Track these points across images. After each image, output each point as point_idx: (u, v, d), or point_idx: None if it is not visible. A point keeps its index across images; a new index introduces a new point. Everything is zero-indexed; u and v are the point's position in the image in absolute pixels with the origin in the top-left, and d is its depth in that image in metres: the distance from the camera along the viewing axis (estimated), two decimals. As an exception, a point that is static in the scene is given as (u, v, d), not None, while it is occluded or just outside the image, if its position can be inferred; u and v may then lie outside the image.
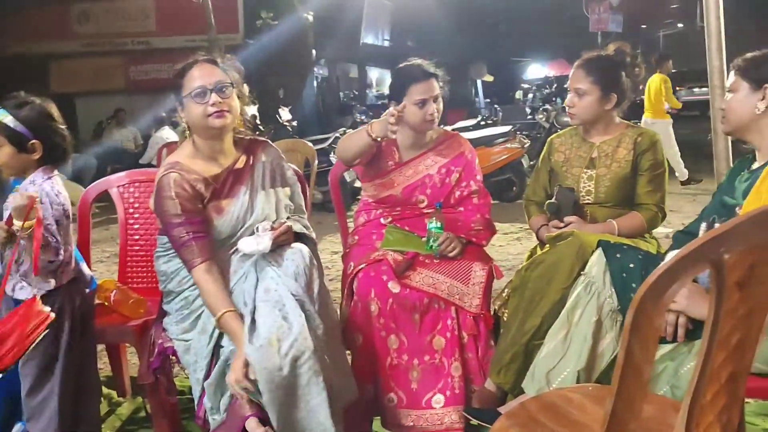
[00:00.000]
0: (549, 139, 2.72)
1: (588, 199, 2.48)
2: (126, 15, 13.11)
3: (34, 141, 2.15)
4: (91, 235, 2.69)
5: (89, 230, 2.66)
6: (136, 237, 2.71)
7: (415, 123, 2.52)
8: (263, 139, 2.33)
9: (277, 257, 2.05)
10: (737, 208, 1.85)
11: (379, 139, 2.38)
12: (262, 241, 2.03)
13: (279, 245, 2.09)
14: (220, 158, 2.18)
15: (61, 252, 2.13)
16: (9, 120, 2.10)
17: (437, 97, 2.52)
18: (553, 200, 2.48)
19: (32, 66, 12.20)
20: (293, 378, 1.88)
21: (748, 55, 1.94)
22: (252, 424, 1.89)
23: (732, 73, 1.96)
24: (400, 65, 2.62)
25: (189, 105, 2.10)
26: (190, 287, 2.14)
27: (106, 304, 2.49)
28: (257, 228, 2.10)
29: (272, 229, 2.09)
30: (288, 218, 2.22)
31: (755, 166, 1.94)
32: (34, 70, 12.13)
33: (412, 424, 2.29)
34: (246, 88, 2.25)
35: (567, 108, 2.53)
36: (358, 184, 7.39)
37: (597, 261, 1.96)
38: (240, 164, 2.20)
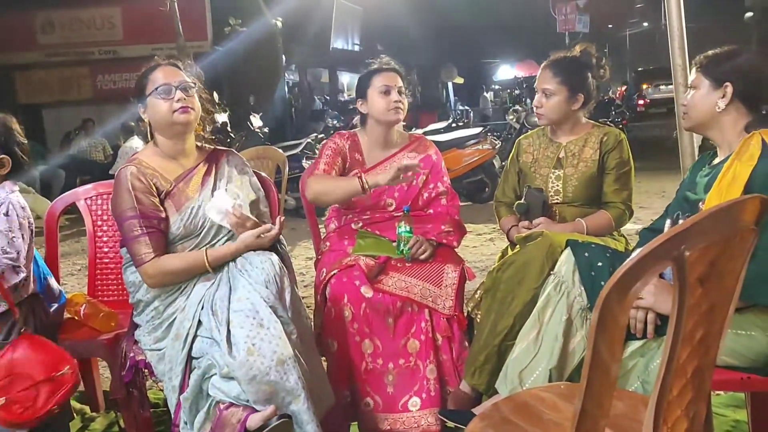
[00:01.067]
0: (517, 140, 2.74)
1: (556, 199, 2.51)
2: (92, 24, 12.93)
3: (3, 156, 2.14)
4: (61, 249, 2.66)
5: (57, 244, 2.62)
6: (105, 249, 2.67)
7: (380, 112, 2.54)
8: (227, 148, 2.36)
9: (247, 265, 2.05)
10: (700, 204, 1.88)
11: (369, 189, 2.41)
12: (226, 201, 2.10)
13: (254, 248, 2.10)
14: (182, 159, 2.22)
15: (23, 270, 2.10)
16: None
17: (401, 89, 2.56)
18: (522, 201, 2.51)
19: (-2, 78, 12.03)
20: (281, 381, 1.88)
21: (710, 52, 1.96)
22: (256, 418, 1.87)
23: (694, 69, 1.98)
24: (364, 70, 2.66)
25: (153, 102, 2.14)
26: (159, 296, 2.13)
27: (77, 318, 2.45)
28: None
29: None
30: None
31: (716, 161, 1.97)
32: (0, 82, 11.95)
33: (389, 428, 2.29)
34: (215, 96, 2.27)
35: (535, 108, 2.56)
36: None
37: (566, 260, 1.98)
38: (202, 168, 2.23)
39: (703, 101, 1.93)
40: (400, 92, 2.55)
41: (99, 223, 2.68)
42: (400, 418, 2.29)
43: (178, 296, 2.12)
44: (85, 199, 2.68)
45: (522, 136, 2.74)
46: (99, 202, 2.68)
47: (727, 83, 1.88)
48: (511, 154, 2.71)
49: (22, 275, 2.11)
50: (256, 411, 1.88)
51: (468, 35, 20.52)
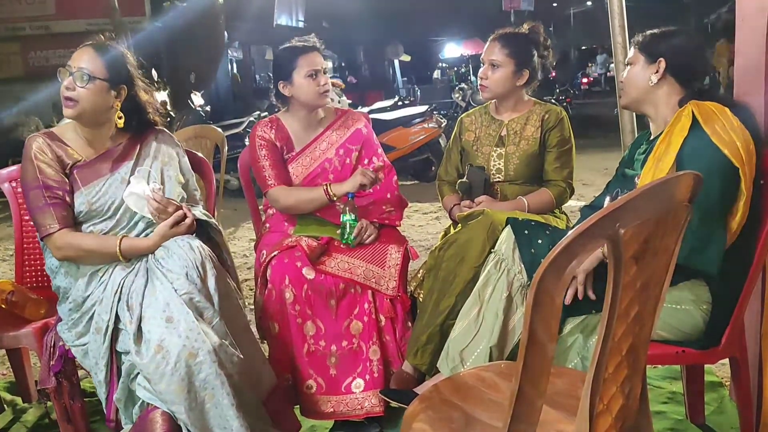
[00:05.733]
0: (459, 118, 2.72)
1: (498, 177, 2.50)
2: (22, -3, 12.34)
3: None
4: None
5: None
6: (33, 234, 2.54)
7: (308, 98, 2.47)
8: (159, 127, 2.25)
9: (165, 254, 1.98)
10: (636, 178, 1.91)
11: (336, 198, 2.40)
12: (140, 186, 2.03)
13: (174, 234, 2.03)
14: (99, 144, 2.13)
15: None
16: None
17: (326, 70, 2.49)
18: (464, 179, 2.50)
19: None
20: (191, 377, 1.82)
21: (648, 32, 2.02)
22: None
23: (632, 47, 2.03)
24: (281, 47, 2.57)
25: None
26: (76, 283, 2.05)
27: (3, 306, 2.34)
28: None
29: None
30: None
31: (652, 137, 2.01)
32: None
33: (331, 410, 2.26)
34: (154, 74, 2.17)
35: (480, 80, 2.53)
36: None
37: (506, 238, 1.98)
38: (122, 148, 2.14)
39: (637, 77, 1.98)
40: (325, 73, 2.48)
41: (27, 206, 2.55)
42: (344, 400, 2.27)
43: (97, 287, 2.03)
44: (10, 181, 2.55)
45: (464, 114, 2.72)
46: (25, 184, 2.54)
47: (661, 58, 1.93)
48: (453, 133, 2.69)
49: None
50: (172, 426, 1.82)
51: (414, 12, 20.40)
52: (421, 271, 2.34)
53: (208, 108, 9.16)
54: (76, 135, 2.11)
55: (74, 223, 2.05)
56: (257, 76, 18.30)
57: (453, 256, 2.10)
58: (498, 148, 2.51)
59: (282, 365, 2.25)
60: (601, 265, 1.81)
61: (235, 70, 16.61)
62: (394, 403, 2.12)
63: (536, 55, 2.51)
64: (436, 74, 22.22)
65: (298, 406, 2.30)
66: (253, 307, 2.46)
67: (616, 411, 1.17)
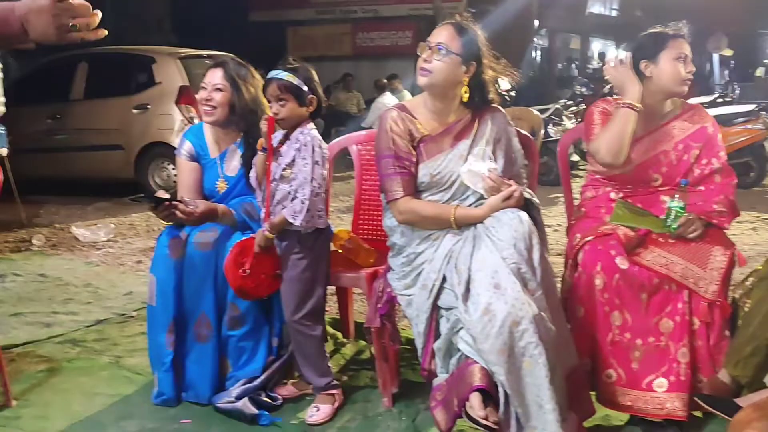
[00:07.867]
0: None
1: None
2: (357, -18, 13.69)
3: (312, 96, 2.41)
4: (331, 189, 2.91)
5: (330, 183, 2.88)
6: (370, 192, 2.88)
7: (670, 81, 2.39)
8: (494, 105, 2.36)
9: (495, 223, 2.09)
10: None
11: (637, 107, 2.30)
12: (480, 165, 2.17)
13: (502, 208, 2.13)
14: (443, 117, 2.30)
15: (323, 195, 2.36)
16: (294, 80, 2.36)
17: (691, 60, 2.40)
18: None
19: (272, 32, 13.33)
20: (513, 342, 1.91)
21: None
22: (475, 401, 1.93)
23: None
24: (650, 30, 2.49)
25: None
26: (411, 243, 2.25)
27: (340, 251, 2.69)
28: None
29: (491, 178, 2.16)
30: None
31: None
32: (273, 37, 13.24)
33: (629, 404, 2.22)
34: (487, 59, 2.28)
35: None
36: (575, 157, 7.12)
37: None
38: (462, 124, 2.28)
39: None
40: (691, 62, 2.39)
41: (367, 167, 2.89)
42: (643, 396, 2.21)
43: (428, 247, 2.22)
44: (357, 144, 2.91)
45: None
46: (369, 148, 2.88)
47: None
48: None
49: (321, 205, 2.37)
50: (489, 383, 1.92)
51: (743, 2, 18.30)
52: (749, 278, 2.17)
53: (513, 93, 9.31)
54: (424, 109, 2.31)
55: (416, 191, 2.27)
56: (560, 65, 18.07)
57: (795, 269, 1.92)
58: None
59: (582, 349, 2.25)
60: None
61: (539, 58, 16.60)
62: (701, 411, 2.02)
63: None
64: (759, 72, 19.73)
65: (593, 392, 2.30)
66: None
67: None
